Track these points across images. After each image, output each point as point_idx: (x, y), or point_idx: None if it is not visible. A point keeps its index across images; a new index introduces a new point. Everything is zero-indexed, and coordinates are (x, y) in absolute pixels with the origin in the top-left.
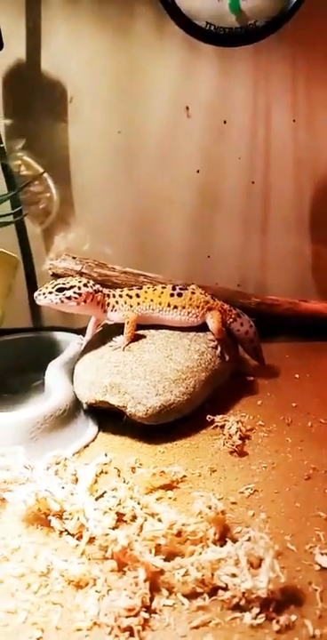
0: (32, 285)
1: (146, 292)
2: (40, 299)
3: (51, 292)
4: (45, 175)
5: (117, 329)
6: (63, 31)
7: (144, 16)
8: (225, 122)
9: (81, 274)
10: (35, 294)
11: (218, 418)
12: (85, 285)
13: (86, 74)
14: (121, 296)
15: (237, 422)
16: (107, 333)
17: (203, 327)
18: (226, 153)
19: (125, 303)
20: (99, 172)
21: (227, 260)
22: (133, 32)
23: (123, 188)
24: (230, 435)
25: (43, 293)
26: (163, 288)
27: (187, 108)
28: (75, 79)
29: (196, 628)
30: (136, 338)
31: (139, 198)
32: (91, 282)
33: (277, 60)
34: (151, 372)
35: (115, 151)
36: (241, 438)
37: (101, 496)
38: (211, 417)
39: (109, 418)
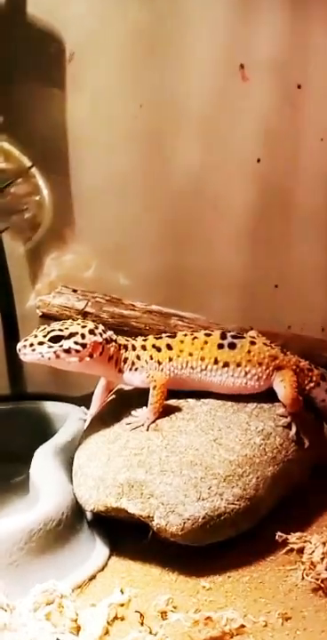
0: (11, 332)
1: (181, 341)
2: (26, 352)
3: (41, 343)
4: (33, 170)
5: (138, 397)
6: None
7: None
8: (299, 86)
9: (84, 314)
10: (19, 346)
11: (293, 537)
12: (92, 332)
13: (93, 22)
14: (144, 348)
15: (323, 544)
16: (124, 404)
17: (268, 395)
18: (300, 133)
19: (151, 359)
20: (110, 163)
21: (304, 291)
22: None
23: (147, 186)
24: (313, 563)
25: (31, 345)
26: (208, 336)
27: (242, 66)
28: (77, 29)
29: None
30: (167, 411)
31: (171, 202)
32: (101, 327)
33: None
34: (190, 463)
35: (135, 134)
36: None
37: None
38: (283, 535)
39: (127, 533)
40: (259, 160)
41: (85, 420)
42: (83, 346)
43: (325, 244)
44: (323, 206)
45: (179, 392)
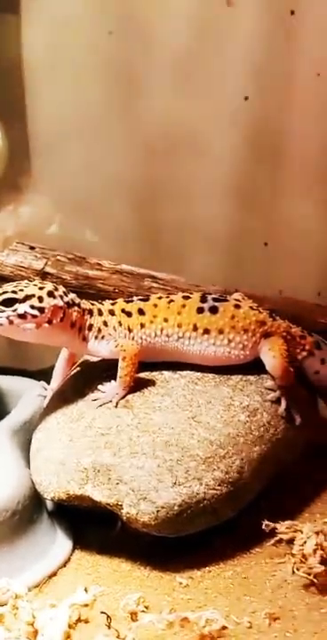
0: None
1: (155, 305)
2: None
3: None
4: None
5: (106, 369)
6: None
7: None
8: (292, 12)
9: (43, 275)
10: None
11: (282, 526)
12: (51, 294)
13: None
14: (112, 313)
15: (317, 534)
16: (89, 377)
17: (255, 366)
18: (294, 66)
19: (120, 325)
20: (74, 102)
21: (298, 250)
22: None
23: (116, 128)
24: (304, 556)
25: None
26: (186, 299)
27: None
28: None
29: None
30: (138, 385)
31: (145, 146)
32: (61, 288)
33: None
34: (165, 444)
35: (104, 66)
36: (323, 562)
37: None
38: (271, 524)
39: (93, 524)
40: (246, 98)
41: (45, 397)
42: (41, 310)
43: (322, 194)
44: (318, 152)
45: (152, 364)
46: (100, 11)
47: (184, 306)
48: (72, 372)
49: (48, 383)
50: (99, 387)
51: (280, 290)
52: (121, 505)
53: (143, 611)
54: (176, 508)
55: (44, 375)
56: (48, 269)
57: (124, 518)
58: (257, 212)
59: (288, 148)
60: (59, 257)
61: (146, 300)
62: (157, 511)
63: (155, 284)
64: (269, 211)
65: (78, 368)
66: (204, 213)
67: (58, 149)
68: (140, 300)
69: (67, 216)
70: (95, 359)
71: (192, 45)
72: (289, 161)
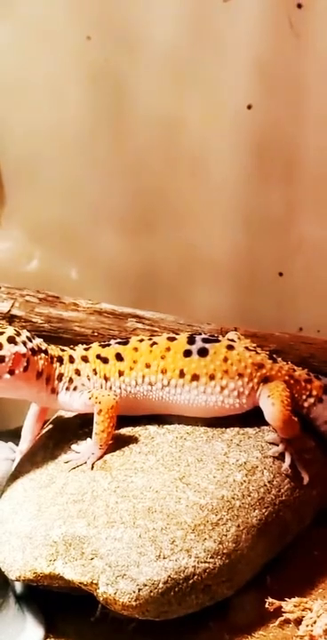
0: None
1: (136, 349)
2: None
3: None
4: None
5: (81, 426)
6: None
7: None
8: (300, 5)
9: (10, 318)
10: None
11: (289, 604)
12: (11, 340)
13: None
14: (86, 359)
15: None
16: (62, 436)
17: (253, 416)
18: (304, 68)
19: (95, 373)
20: (50, 117)
21: (320, 279)
22: None
23: (100, 147)
24: (313, 638)
25: None
26: (171, 340)
27: None
28: None
29: None
30: (118, 443)
31: (134, 166)
32: (25, 333)
33: None
34: (147, 511)
35: (85, 76)
36: None
37: None
38: (275, 601)
39: (68, 609)
40: (249, 107)
41: (13, 460)
42: (1, 359)
43: None
44: None
45: (135, 417)
46: (77, 13)
47: (169, 349)
48: (43, 431)
49: (16, 444)
50: (73, 446)
51: (300, 327)
52: (96, 584)
53: None
54: (161, 585)
55: (13, 435)
56: (15, 312)
57: (101, 599)
58: (268, 238)
59: (301, 161)
60: (28, 297)
61: (125, 343)
62: (139, 590)
63: (140, 325)
64: (283, 236)
65: (50, 425)
66: (206, 241)
67: (33, 173)
68: (119, 343)
69: (40, 247)
70: (70, 414)
71: (185, 48)
72: (303, 177)
